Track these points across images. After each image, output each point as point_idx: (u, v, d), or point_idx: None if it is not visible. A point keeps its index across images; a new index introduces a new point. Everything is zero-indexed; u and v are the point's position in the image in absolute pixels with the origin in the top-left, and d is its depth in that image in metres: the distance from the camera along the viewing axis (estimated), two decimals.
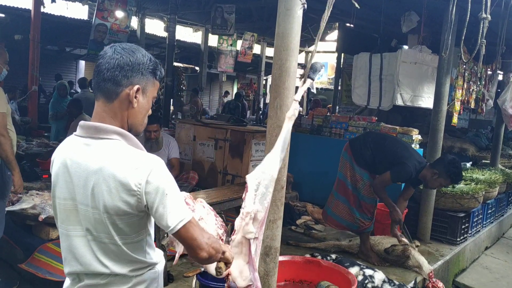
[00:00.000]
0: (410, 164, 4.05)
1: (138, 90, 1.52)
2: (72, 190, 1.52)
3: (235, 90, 21.61)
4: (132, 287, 1.57)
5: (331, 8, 2.29)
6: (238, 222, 2.05)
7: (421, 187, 4.88)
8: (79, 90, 14.76)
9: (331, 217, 4.52)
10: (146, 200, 1.44)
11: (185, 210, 1.51)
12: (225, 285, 2.00)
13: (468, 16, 3.87)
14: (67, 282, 1.67)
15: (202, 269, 2.85)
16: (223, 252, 1.68)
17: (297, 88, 2.39)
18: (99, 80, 1.51)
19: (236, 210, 4.77)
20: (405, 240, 4.21)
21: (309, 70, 2.32)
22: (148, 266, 1.61)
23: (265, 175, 2.04)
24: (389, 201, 4.17)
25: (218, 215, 2.26)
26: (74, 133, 1.57)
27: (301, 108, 2.31)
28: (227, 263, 1.76)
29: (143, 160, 1.47)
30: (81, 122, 1.55)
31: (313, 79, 2.32)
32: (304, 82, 2.33)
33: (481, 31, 3.88)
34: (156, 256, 1.67)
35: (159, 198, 1.45)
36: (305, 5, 2.43)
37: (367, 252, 4.31)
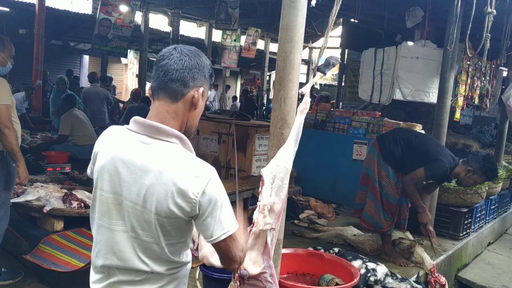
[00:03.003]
0: (445, 160, 3.92)
1: (202, 92, 1.54)
2: (118, 185, 1.50)
3: (238, 86, 21.61)
4: (166, 285, 1.57)
5: (339, 3, 2.29)
6: (255, 215, 2.08)
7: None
8: (84, 85, 14.89)
9: (363, 217, 4.37)
10: (198, 208, 1.45)
11: (231, 222, 1.51)
12: (236, 274, 2.02)
13: (473, 11, 3.86)
14: (94, 276, 1.63)
15: None
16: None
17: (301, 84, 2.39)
18: (166, 80, 1.49)
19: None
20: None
21: (322, 64, 2.32)
22: (182, 265, 1.62)
23: (280, 168, 2.07)
24: (419, 202, 4.02)
25: None
26: (126, 126, 1.54)
27: (309, 99, 2.31)
28: None
29: (203, 169, 1.47)
30: (139, 119, 1.52)
31: (324, 73, 2.31)
32: (314, 75, 2.33)
33: (486, 25, 3.87)
34: (189, 254, 1.67)
35: (210, 208, 1.45)
36: None
37: (391, 253, 4.24)
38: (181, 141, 1.50)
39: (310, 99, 2.26)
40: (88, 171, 1.69)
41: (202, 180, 1.44)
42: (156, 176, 1.43)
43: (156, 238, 1.48)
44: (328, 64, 2.31)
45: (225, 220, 1.49)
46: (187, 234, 1.57)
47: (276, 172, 2.08)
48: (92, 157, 1.62)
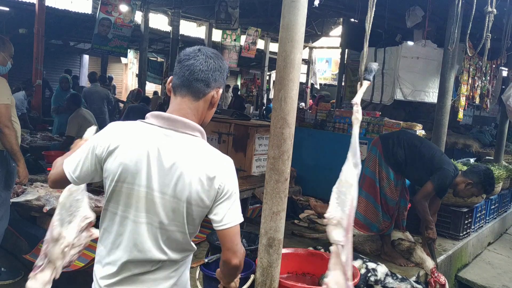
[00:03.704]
0: (450, 169, 3.90)
1: (219, 92, 1.67)
2: (147, 177, 1.54)
3: (239, 85, 21.60)
4: (177, 269, 1.67)
5: (373, 9, 2.28)
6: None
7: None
8: (84, 84, 14.88)
9: (355, 218, 4.34)
10: (220, 194, 1.57)
11: (240, 214, 1.64)
12: None
13: (474, 10, 3.86)
14: (102, 271, 1.64)
15: (206, 260, 2.87)
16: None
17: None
18: (192, 79, 1.59)
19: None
20: (430, 262, 4.08)
21: (364, 72, 2.34)
22: (193, 250, 1.73)
23: (342, 182, 2.09)
24: (429, 218, 3.99)
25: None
26: (144, 121, 1.61)
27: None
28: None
29: (226, 160, 1.62)
30: (163, 114, 1.59)
31: (370, 80, 2.34)
32: (361, 84, 2.34)
33: (486, 25, 3.86)
34: None
35: (227, 196, 1.58)
36: None
37: (391, 253, 4.23)
38: (202, 135, 1.62)
39: (361, 108, 2.28)
40: (92, 167, 1.61)
41: (226, 171, 1.59)
42: (189, 166, 1.53)
43: (182, 226, 1.58)
44: (370, 71, 2.35)
45: (236, 210, 1.62)
46: (201, 221, 1.67)
47: (340, 187, 2.10)
48: (105, 151, 1.57)
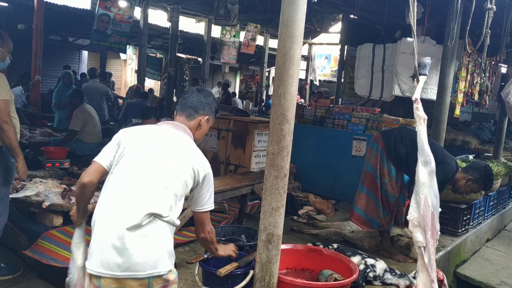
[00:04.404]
0: (452, 163, 3.90)
1: (207, 119, 2.41)
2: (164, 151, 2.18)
3: (238, 82, 21.59)
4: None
5: (415, 3, 2.28)
6: None
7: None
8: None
9: (356, 214, 4.29)
10: (202, 181, 2.25)
11: (213, 201, 2.36)
12: None
13: (473, 7, 3.86)
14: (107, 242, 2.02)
15: (206, 256, 2.88)
16: (216, 249, 2.58)
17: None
18: (186, 106, 2.38)
19: (239, 200, 4.80)
20: None
21: (418, 67, 2.36)
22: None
23: (417, 182, 2.10)
24: None
25: None
26: (163, 123, 2.36)
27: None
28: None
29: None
30: (171, 121, 2.38)
31: (426, 74, 2.39)
32: (418, 80, 2.37)
33: (486, 22, 3.86)
34: None
35: (209, 186, 2.31)
36: None
37: (390, 249, 4.24)
38: (189, 136, 2.36)
39: (421, 104, 2.31)
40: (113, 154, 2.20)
41: (208, 165, 2.30)
42: (186, 151, 2.23)
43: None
44: (424, 66, 2.40)
45: (212, 198, 2.33)
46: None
47: (416, 187, 2.12)
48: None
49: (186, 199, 2.29)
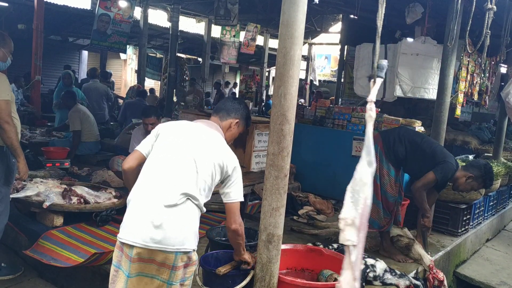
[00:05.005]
0: (453, 162, 3.93)
1: (237, 122, 2.68)
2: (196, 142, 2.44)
3: (238, 82, 21.56)
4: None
5: (384, 5, 2.29)
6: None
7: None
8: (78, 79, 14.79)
9: None
10: (231, 174, 2.49)
11: (242, 194, 2.59)
12: None
13: (474, 7, 3.86)
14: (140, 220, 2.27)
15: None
16: (244, 249, 2.73)
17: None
18: (221, 108, 2.69)
19: None
20: (427, 258, 4.12)
21: (377, 69, 2.36)
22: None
23: (357, 181, 2.09)
24: (426, 207, 4.05)
25: None
26: (198, 121, 2.62)
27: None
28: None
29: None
30: (205, 120, 2.65)
31: (382, 77, 2.39)
32: (375, 82, 2.36)
33: (486, 22, 3.86)
34: None
35: (237, 178, 2.55)
36: None
37: (390, 249, 4.24)
38: (219, 133, 2.61)
39: (374, 106, 2.31)
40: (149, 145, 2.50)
41: (235, 160, 2.53)
42: (214, 146, 2.47)
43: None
44: (382, 68, 2.40)
45: (241, 191, 2.54)
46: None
47: (354, 185, 2.10)
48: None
49: (216, 193, 2.56)
